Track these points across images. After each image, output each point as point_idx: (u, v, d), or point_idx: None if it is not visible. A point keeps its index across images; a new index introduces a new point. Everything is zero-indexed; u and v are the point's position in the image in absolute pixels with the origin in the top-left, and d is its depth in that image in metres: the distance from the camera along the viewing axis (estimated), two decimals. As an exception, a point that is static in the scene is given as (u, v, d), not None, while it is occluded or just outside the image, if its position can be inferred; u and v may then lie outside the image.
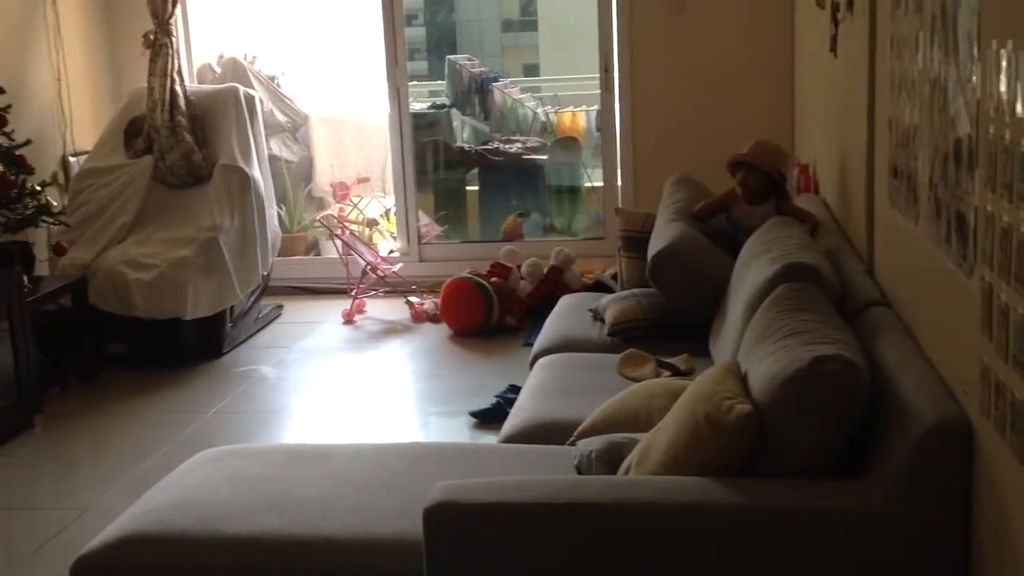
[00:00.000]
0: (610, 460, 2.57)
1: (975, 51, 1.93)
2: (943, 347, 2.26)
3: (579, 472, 2.61)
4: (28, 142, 5.09)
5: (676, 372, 3.40)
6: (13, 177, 4.97)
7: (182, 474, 2.85)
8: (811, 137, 5.03)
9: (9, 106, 4.96)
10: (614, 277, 5.54)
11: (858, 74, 3.32)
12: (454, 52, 8.94)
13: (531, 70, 10.90)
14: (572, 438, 2.91)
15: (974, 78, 1.94)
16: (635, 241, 4.48)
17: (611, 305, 4.11)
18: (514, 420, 3.25)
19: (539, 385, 3.51)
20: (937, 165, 2.24)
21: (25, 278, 4.79)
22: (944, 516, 2.02)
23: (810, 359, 2.14)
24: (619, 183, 6.42)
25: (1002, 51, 1.74)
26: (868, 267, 3.20)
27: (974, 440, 1.97)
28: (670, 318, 3.85)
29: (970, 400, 1.99)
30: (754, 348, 2.49)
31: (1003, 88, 1.74)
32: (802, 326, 2.40)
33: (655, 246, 3.96)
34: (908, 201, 2.56)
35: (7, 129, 4.95)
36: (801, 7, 5.50)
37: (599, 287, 5.58)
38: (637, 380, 3.31)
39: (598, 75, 6.45)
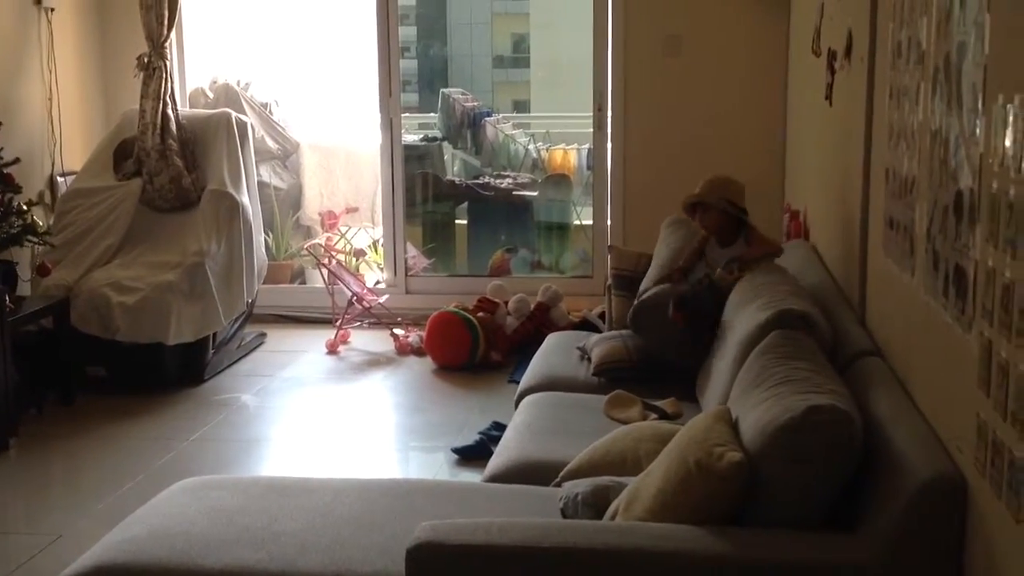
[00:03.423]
0: (596, 504, 2.53)
1: (980, 104, 1.93)
2: (937, 400, 2.24)
3: (564, 515, 2.57)
4: (16, 160, 5.05)
5: (663, 415, 3.37)
6: (0, 195, 4.92)
7: (159, 504, 2.79)
8: (803, 183, 5.04)
9: (-1, 123, 4.93)
10: (601, 316, 5.53)
11: (855, 123, 3.32)
12: (446, 85, 8.97)
13: (521, 106, 10.94)
14: (558, 479, 2.88)
15: (978, 131, 1.93)
16: (626, 280, 4.48)
17: (598, 345, 4.09)
18: (499, 459, 3.21)
19: (525, 424, 3.47)
20: (936, 217, 2.23)
21: (7, 297, 4.73)
22: (936, 572, 1.99)
23: (804, 408, 2.12)
24: (609, 222, 6.42)
25: (1008, 106, 1.73)
26: (860, 316, 3.19)
27: (968, 497, 1.94)
28: (657, 361, 3.83)
29: (964, 456, 1.96)
30: (745, 395, 2.47)
31: (1008, 143, 1.73)
32: (794, 374, 2.38)
33: (641, 293, 4.01)
34: (904, 252, 2.55)
35: (-5, 146, 4.91)
36: (796, 54, 5.53)
37: (586, 325, 5.56)
38: (624, 422, 3.28)
39: (590, 113, 6.46)
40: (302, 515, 2.65)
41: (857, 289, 3.26)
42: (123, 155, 5.85)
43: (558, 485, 2.82)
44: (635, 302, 3.98)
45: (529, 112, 10.45)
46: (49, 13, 5.92)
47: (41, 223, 5.27)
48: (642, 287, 4.14)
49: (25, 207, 5.06)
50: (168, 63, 5.83)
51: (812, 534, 2.11)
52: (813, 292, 3.35)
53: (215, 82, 7.09)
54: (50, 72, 5.94)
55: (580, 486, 2.63)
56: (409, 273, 6.73)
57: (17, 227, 5.00)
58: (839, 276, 3.62)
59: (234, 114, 6.02)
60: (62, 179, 6.00)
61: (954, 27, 2.13)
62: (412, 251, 6.91)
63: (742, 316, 3.15)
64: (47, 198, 5.92)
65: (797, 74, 5.47)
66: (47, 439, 4.68)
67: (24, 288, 5.32)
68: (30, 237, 5.09)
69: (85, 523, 3.78)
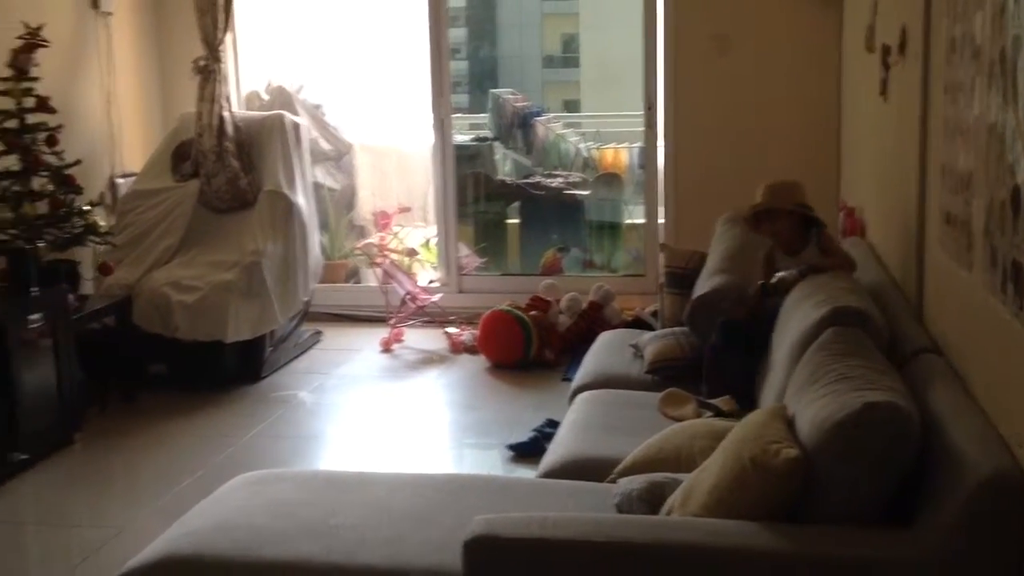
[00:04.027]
0: (652, 500, 2.54)
1: (1038, 99, 1.92)
2: (997, 397, 2.22)
3: (619, 511, 2.58)
4: (78, 162, 5.15)
5: (718, 413, 3.37)
6: (62, 197, 5.03)
7: (221, 497, 2.85)
8: (859, 180, 5.00)
9: (60, 126, 5.04)
10: (654, 314, 5.52)
11: (910, 118, 3.30)
12: (495, 86, 8.99)
13: (571, 106, 10.94)
14: (612, 475, 2.89)
15: (1036, 126, 1.92)
16: (679, 278, 4.47)
17: (651, 342, 4.10)
18: (553, 455, 3.23)
19: (579, 421, 3.49)
20: (993, 212, 2.22)
21: (71, 296, 4.84)
22: (995, 569, 1.98)
23: (861, 405, 2.12)
24: (660, 220, 6.41)
25: (1068, 100, 1.72)
26: (917, 313, 3.16)
27: (1029, 493, 1.93)
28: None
29: (1025, 452, 1.95)
30: (801, 392, 2.47)
31: (1068, 137, 1.72)
32: (851, 371, 2.37)
33: (697, 290, 3.98)
34: (961, 247, 2.54)
35: (57, 148, 5.02)
36: (849, 50, 5.49)
37: (638, 324, 5.55)
38: (678, 420, 3.28)
39: (641, 112, 6.45)
40: (360, 509, 2.69)
41: (915, 286, 3.24)
42: (181, 157, 5.95)
43: (613, 482, 2.84)
44: (691, 300, 3.98)
45: (579, 112, 10.45)
46: (107, 17, 6.04)
47: (103, 224, 5.38)
48: (697, 284, 4.13)
49: (86, 208, 5.17)
50: (223, 66, 5.92)
51: (869, 530, 2.10)
52: (870, 289, 3.33)
53: (270, 84, 7.18)
54: (109, 75, 6.06)
55: (635, 482, 2.64)
56: (462, 272, 6.77)
57: (79, 227, 5.10)
58: (896, 273, 3.60)
59: (288, 116, 6.10)
60: (121, 180, 6.11)
61: (1009, 21, 2.12)
62: (464, 250, 6.96)
63: (798, 313, 3.14)
64: (108, 199, 6.04)
65: (851, 70, 5.43)
66: (110, 435, 4.78)
67: (87, 288, 5.43)
68: (92, 237, 5.19)
69: (146, 517, 3.86)
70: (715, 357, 3.60)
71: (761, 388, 3.31)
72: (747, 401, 3.30)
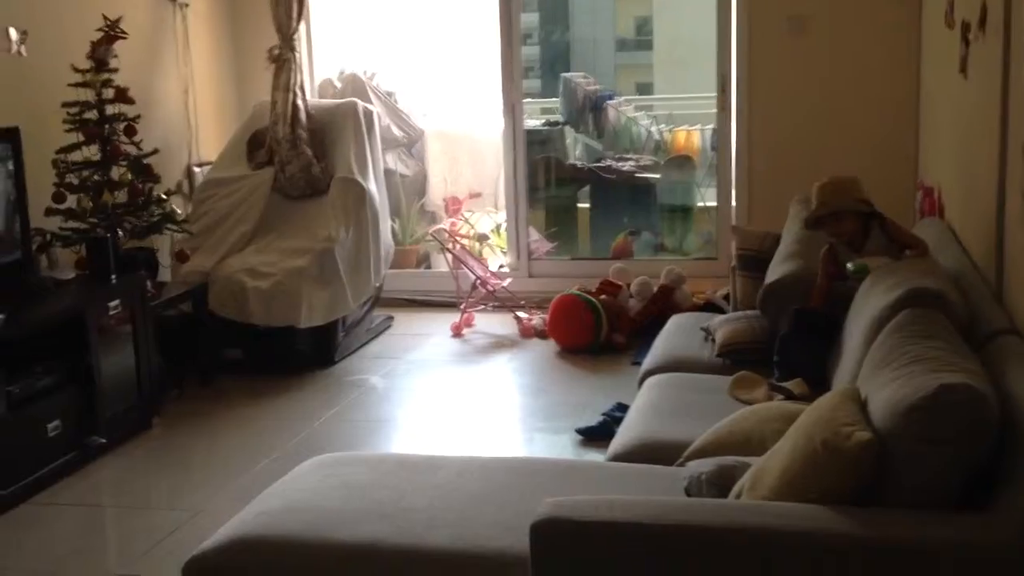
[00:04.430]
0: (721, 483, 2.52)
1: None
2: (1078, 379, 2.16)
3: (688, 494, 2.57)
4: (155, 151, 5.25)
5: (789, 396, 3.32)
6: (140, 185, 5.13)
7: (293, 479, 2.88)
8: (938, 160, 4.89)
9: (138, 116, 5.14)
10: (726, 298, 5.47)
11: (990, 95, 3.21)
12: (568, 70, 8.95)
13: (644, 89, 10.85)
14: (681, 459, 2.87)
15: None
16: (751, 260, 4.42)
17: (723, 326, 4.06)
18: (622, 438, 3.22)
19: (648, 404, 3.47)
20: (1076, 189, 2.15)
21: (149, 283, 4.94)
22: (1077, 556, 1.93)
23: (936, 387, 2.07)
24: (733, 203, 6.34)
25: None
26: (997, 294, 3.08)
27: (1112, 478, 1.87)
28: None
29: (1108, 435, 1.89)
30: (875, 374, 2.42)
31: None
32: (927, 353, 2.32)
33: (771, 275, 3.93)
34: (1042, 226, 2.46)
35: (136, 138, 5.12)
36: (928, 27, 5.36)
37: (710, 307, 5.51)
38: (749, 403, 3.25)
39: (713, 94, 6.38)
40: (429, 491, 2.70)
41: (994, 266, 3.15)
42: (256, 145, 6.03)
43: (682, 465, 2.82)
44: (764, 285, 3.92)
45: (652, 95, 10.37)
46: (184, 9, 6.14)
47: (179, 211, 5.48)
48: (770, 269, 4.07)
49: (164, 196, 5.27)
50: (297, 55, 5.98)
51: (944, 514, 2.06)
52: (949, 271, 3.25)
53: (343, 72, 7.24)
54: (185, 66, 6.17)
55: (705, 465, 2.62)
56: (532, 257, 6.77)
57: (157, 216, 5.21)
58: (975, 254, 3.51)
59: (361, 103, 6.14)
60: (198, 169, 6.22)
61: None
62: (535, 235, 6.95)
63: (873, 295, 3.09)
64: (185, 188, 6.15)
65: (930, 47, 5.30)
66: (187, 418, 4.87)
67: (164, 274, 5.54)
68: (169, 225, 5.29)
69: (223, 499, 3.93)
70: (786, 346, 3.55)
71: (834, 372, 3.26)
72: (820, 385, 3.25)
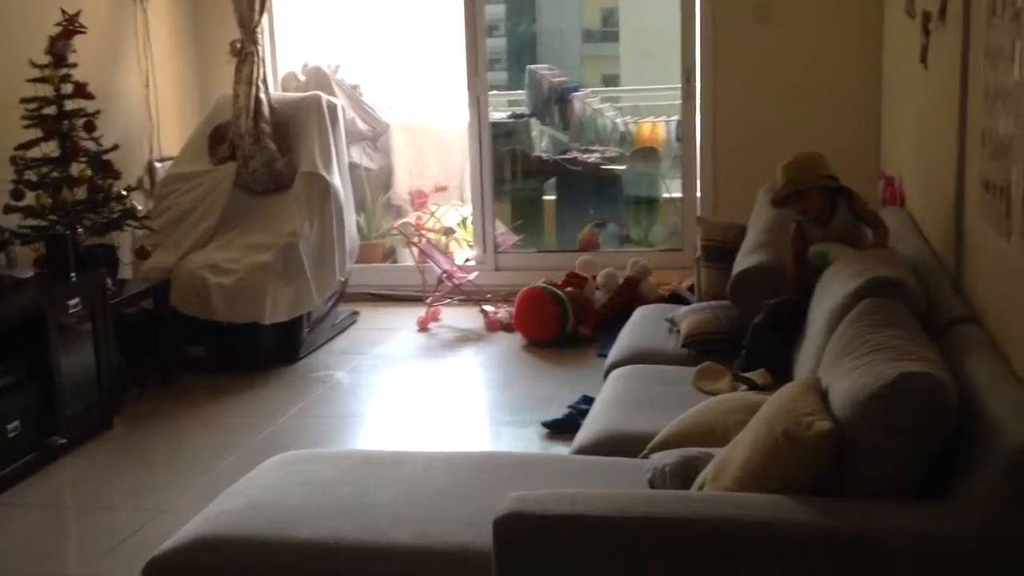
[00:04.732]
0: (684, 475, 2.52)
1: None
2: (1035, 366, 2.17)
3: (652, 486, 2.56)
4: (115, 147, 5.19)
5: (753, 386, 3.33)
6: (100, 181, 5.07)
7: (256, 477, 2.86)
8: (898, 149, 4.91)
9: (98, 112, 5.07)
10: (691, 289, 5.47)
11: (950, 85, 3.23)
12: (534, 62, 8.93)
13: (611, 80, 10.85)
14: (645, 451, 2.86)
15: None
16: (716, 251, 4.42)
17: (687, 316, 4.06)
18: (587, 431, 3.22)
19: (613, 396, 3.47)
20: (1032, 177, 2.16)
21: (109, 280, 4.88)
22: (1035, 542, 1.94)
23: (895, 376, 2.07)
24: (698, 194, 6.35)
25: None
26: (955, 282, 3.10)
27: (1068, 464, 1.88)
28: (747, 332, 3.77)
29: (1064, 422, 1.90)
30: (835, 364, 2.42)
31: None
32: (886, 342, 2.32)
33: (739, 264, 3.92)
34: (1000, 215, 2.47)
35: (96, 134, 5.06)
36: (890, 17, 5.38)
37: (675, 299, 5.51)
38: (713, 394, 3.25)
39: (679, 85, 6.38)
40: (393, 487, 2.69)
41: (953, 255, 3.17)
42: (218, 140, 5.97)
43: (646, 457, 2.81)
44: (733, 274, 3.92)
45: (619, 86, 10.37)
46: (144, 2, 6.07)
47: (140, 208, 5.42)
48: (738, 258, 4.07)
49: (124, 192, 5.20)
50: (260, 48, 5.93)
51: (904, 503, 2.07)
52: (909, 259, 3.27)
53: (306, 66, 7.19)
54: (146, 60, 6.10)
55: (668, 457, 2.61)
56: (498, 250, 6.76)
57: (117, 212, 5.14)
58: (935, 242, 3.53)
59: (325, 97, 6.10)
60: (160, 164, 6.16)
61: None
62: (501, 228, 6.94)
63: (834, 286, 3.10)
64: (146, 183, 6.08)
65: (891, 37, 5.33)
66: (149, 417, 4.82)
67: (125, 272, 5.48)
68: (130, 221, 5.23)
69: (186, 498, 3.89)
70: (757, 336, 3.55)
71: (796, 361, 3.26)
72: (784, 375, 3.26)
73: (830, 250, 3.37)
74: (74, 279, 4.58)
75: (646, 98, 8.61)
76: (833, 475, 2.14)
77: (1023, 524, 1.94)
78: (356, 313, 6.33)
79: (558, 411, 4.53)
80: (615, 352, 4.03)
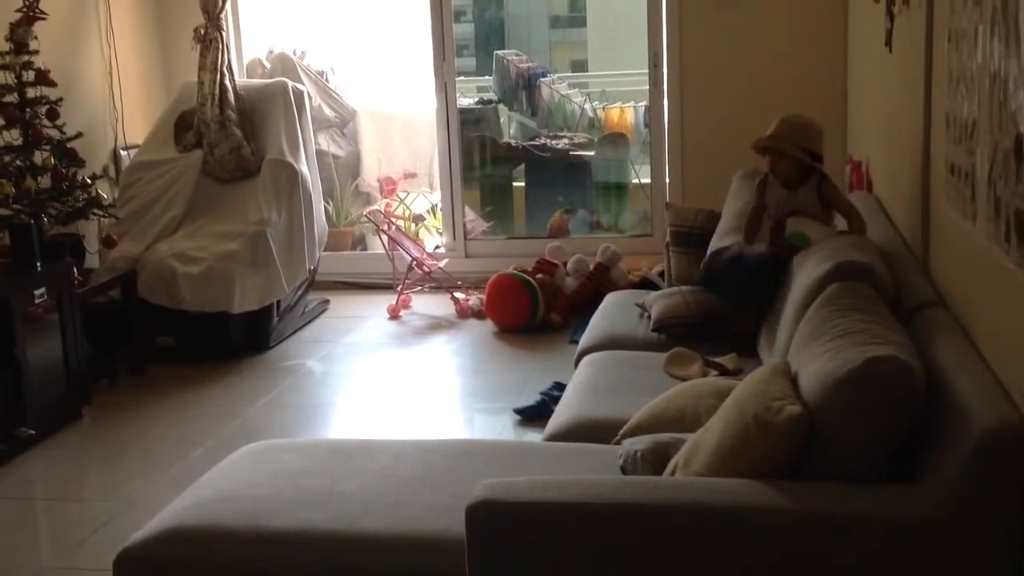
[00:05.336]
0: (656, 460, 2.53)
1: (1039, 43, 1.87)
2: (1000, 348, 2.19)
3: (624, 472, 2.57)
4: (79, 135, 5.14)
5: (724, 371, 3.35)
6: (64, 170, 5.02)
7: (226, 468, 2.84)
8: (865, 133, 4.94)
9: (60, 99, 5.02)
10: (661, 275, 5.49)
11: (914, 69, 3.25)
12: (502, 48, 8.91)
13: (579, 66, 10.83)
14: (617, 437, 2.87)
15: (1038, 71, 1.87)
16: (685, 236, 4.44)
17: (657, 301, 4.07)
18: (559, 418, 3.22)
19: (584, 383, 3.47)
20: (997, 162, 2.18)
21: (75, 270, 4.83)
22: (1001, 522, 1.96)
23: (863, 360, 2.09)
24: (667, 180, 6.36)
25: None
26: (923, 266, 3.13)
27: (1033, 445, 1.90)
28: (717, 316, 3.80)
29: (1029, 404, 1.93)
30: (805, 348, 2.44)
31: (1069, 81, 1.68)
32: (855, 326, 2.34)
33: (714, 245, 3.94)
34: (965, 198, 2.50)
35: (59, 122, 5.00)
36: (855, 1, 5.41)
37: (646, 284, 5.53)
38: (684, 379, 3.26)
39: (647, 71, 6.39)
40: (364, 476, 2.68)
41: (920, 239, 3.20)
42: (183, 127, 5.92)
43: (618, 443, 2.82)
44: (707, 255, 3.93)
45: (587, 71, 10.36)
46: (106, -11, 6.00)
47: (106, 196, 5.37)
48: (713, 241, 4.09)
49: (89, 181, 5.15)
50: (224, 34, 5.87)
51: (873, 486, 2.08)
52: (877, 244, 3.29)
53: (271, 52, 7.14)
54: (109, 47, 6.03)
55: (639, 443, 2.62)
56: (468, 237, 6.75)
57: (82, 201, 5.10)
58: (903, 227, 3.56)
59: (291, 83, 6.06)
60: (125, 152, 6.10)
61: (1013, -36, 2.07)
62: (470, 215, 6.93)
63: (804, 269, 3.12)
64: (111, 172, 6.02)
65: (857, 22, 5.36)
66: (118, 408, 4.79)
67: (92, 261, 5.42)
68: (95, 210, 5.19)
69: (157, 489, 3.87)
70: (733, 266, 3.57)
71: (766, 346, 3.29)
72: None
73: (808, 232, 3.39)
74: (39, 269, 4.52)
75: (614, 83, 8.62)
76: (803, 459, 2.15)
77: (990, 506, 1.96)
78: (326, 301, 6.31)
79: (530, 398, 4.53)
80: (586, 338, 4.03)
